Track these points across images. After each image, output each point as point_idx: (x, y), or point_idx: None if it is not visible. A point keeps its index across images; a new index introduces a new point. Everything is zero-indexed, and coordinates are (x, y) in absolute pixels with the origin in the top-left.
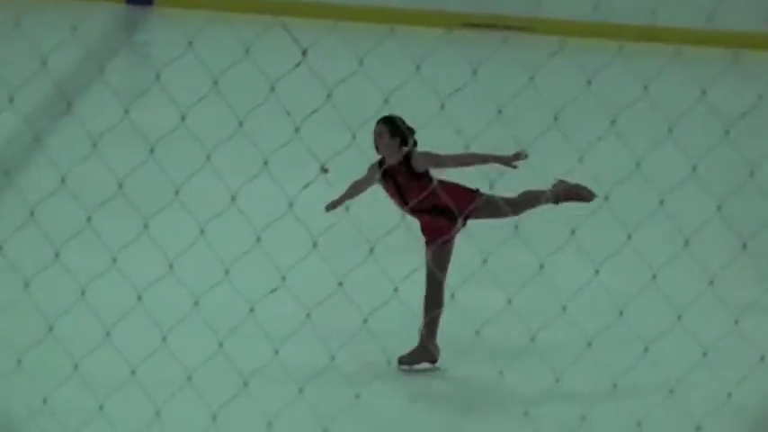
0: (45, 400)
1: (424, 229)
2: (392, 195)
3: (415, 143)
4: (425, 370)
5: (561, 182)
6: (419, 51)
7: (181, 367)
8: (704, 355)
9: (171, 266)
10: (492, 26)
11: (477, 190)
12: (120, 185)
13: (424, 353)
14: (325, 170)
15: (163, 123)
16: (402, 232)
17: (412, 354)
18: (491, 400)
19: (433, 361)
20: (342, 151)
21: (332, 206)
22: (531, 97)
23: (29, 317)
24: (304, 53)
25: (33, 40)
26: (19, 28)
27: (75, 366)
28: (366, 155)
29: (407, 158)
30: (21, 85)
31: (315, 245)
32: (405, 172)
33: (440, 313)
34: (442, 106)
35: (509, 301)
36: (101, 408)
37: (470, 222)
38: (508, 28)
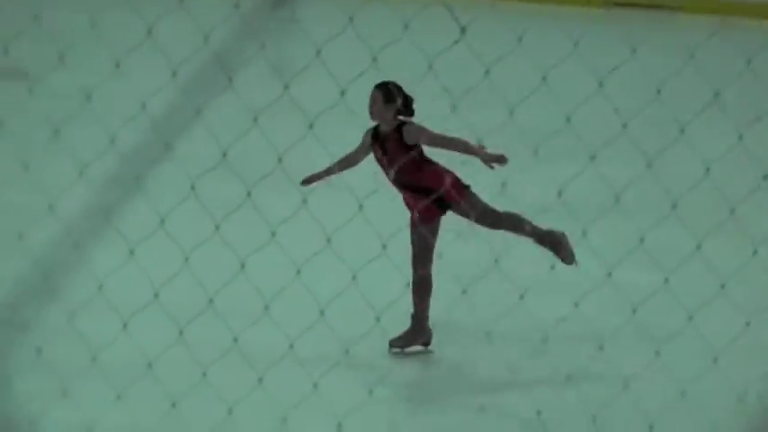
0: (204, 374)
1: (407, 205)
2: (380, 162)
3: (412, 113)
4: (418, 353)
5: (563, 235)
6: (576, 30)
7: (338, 342)
8: None
9: (329, 241)
10: (642, 6)
11: (469, 186)
12: (280, 160)
13: (416, 335)
14: (482, 147)
15: (322, 99)
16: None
17: (403, 336)
18: (647, 378)
19: (426, 344)
20: (498, 128)
21: (309, 180)
22: (688, 76)
23: (189, 290)
24: (463, 31)
25: (195, 16)
26: (183, 4)
27: (235, 340)
28: (524, 134)
29: (400, 128)
30: (184, 60)
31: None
32: (396, 141)
33: (428, 294)
34: (601, 84)
35: (666, 281)
36: (260, 380)
37: (629, 201)
38: (657, 7)
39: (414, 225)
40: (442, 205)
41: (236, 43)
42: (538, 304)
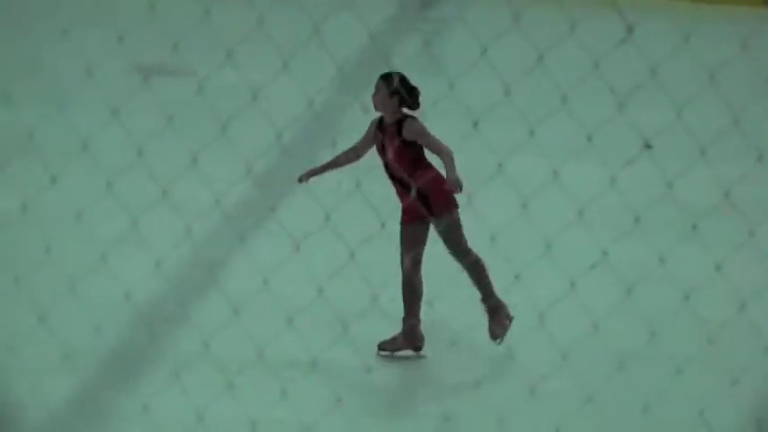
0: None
1: (400, 199)
2: (378, 151)
3: (417, 106)
4: (409, 357)
5: (509, 317)
6: (743, 30)
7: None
8: None
9: (491, 239)
10: None
11: (458, 205)
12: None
13: (405, 339)
14: (648, 146)
15: (486, 98)
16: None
17: (393, 340)
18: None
19: (417, 348)
20: (665, 129)
21: (307, 175)
22: None
23: (353, 286)
24: (629, 30)
25: (359, 13)
26: (348, 2)
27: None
28: (690, 133)
29: (401, 122)
30: (348, 57)
31: (638, 220)
32: (395, 133)
33: (416, 297)
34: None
35: None
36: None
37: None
38: None
39: (402, 221)
40: (427, 209)
41: (400, 41)
42: (703, 305)
